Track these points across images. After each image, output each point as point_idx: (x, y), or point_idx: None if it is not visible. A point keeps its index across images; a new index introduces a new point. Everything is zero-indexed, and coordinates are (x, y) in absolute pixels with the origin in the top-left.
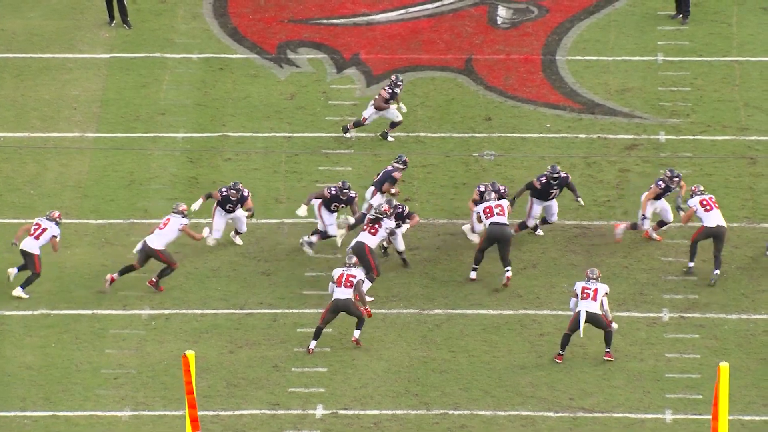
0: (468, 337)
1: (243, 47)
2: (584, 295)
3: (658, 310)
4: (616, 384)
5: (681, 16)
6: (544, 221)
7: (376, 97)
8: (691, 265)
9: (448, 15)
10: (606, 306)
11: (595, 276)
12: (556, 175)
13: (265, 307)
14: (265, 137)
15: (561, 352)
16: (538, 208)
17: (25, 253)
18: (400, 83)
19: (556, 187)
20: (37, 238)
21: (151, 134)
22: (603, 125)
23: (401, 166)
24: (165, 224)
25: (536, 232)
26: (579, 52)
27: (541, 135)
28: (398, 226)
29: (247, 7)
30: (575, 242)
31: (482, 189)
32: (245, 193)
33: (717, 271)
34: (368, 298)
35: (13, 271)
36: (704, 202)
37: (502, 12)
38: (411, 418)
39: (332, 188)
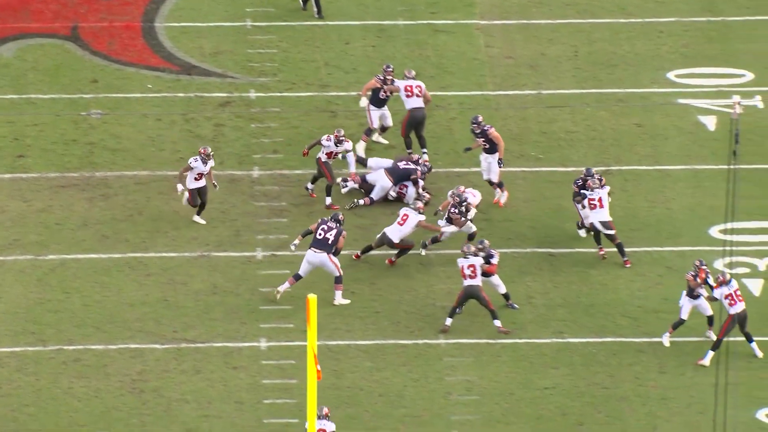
0: (80, 279)
1: None
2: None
3: (253, 249)
4: (215, 317)
5: None
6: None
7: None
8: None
9: None
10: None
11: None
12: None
13: None
14: None
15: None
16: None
17: None
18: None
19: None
20: None
21: None
22: (199, 85)
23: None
24: (404, 220)
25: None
26: (175, 18)
27: (144, 95)
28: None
29: None
30: (166, 195)
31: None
32: None
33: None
34: None
35: None
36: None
37: None
38: (29, 354)
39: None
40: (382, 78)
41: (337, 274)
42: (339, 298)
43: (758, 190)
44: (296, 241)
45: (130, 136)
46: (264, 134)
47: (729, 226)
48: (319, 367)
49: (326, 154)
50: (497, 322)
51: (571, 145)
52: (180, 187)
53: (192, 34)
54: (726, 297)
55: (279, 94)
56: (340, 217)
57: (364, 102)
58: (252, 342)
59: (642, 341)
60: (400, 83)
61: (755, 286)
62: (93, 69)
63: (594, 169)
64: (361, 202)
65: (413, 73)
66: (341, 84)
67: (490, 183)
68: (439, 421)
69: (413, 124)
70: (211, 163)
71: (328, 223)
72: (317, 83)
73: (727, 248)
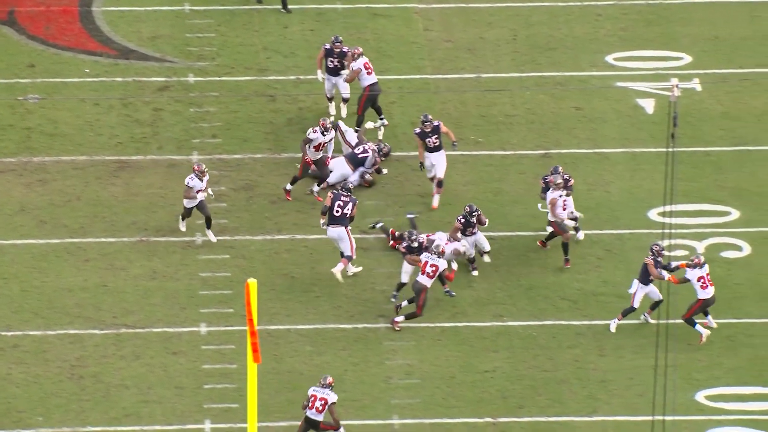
0: (18, 264)
1: None
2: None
3: (192, 234)
4: (154, 302)
5: None
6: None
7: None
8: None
9: None
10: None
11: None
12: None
13: None
14: None
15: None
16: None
17: None
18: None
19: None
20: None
21: None
22: (137, 69)
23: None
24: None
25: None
26: (113, 3)
27: (81, 79)
28: None
29: None
30: (116, 175)
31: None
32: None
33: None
34: None
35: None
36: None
37: None
38: None
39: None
40: (329, 47)
41: (348, 253)
42: (338, 271)
43: (696, 173)
44: (322, 221)
45: (68, 120)
46: (203, 119)
47: (668, 208)
48: (257, 348)
49: (314, 148)
50: (398, 318)
51: (510, 128)
52: (190, 204)
53: (130, 19)
54: (699, 279)
55: (218, 79)
56: (351, 186)
57: (320, 76)
58: (192, 327)
59: (581, 324)
60: (359, 62)
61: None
62: (30, 53)
63: (560, 167)
64: (316, 188)
65: (360, 49)
66: (280, 68)
67: (433, 179)
68: (379, 405)
69: (372, 100)
70: (206, 178)
71: (342, 198)
72: (256, 67)
73: (666, 231)
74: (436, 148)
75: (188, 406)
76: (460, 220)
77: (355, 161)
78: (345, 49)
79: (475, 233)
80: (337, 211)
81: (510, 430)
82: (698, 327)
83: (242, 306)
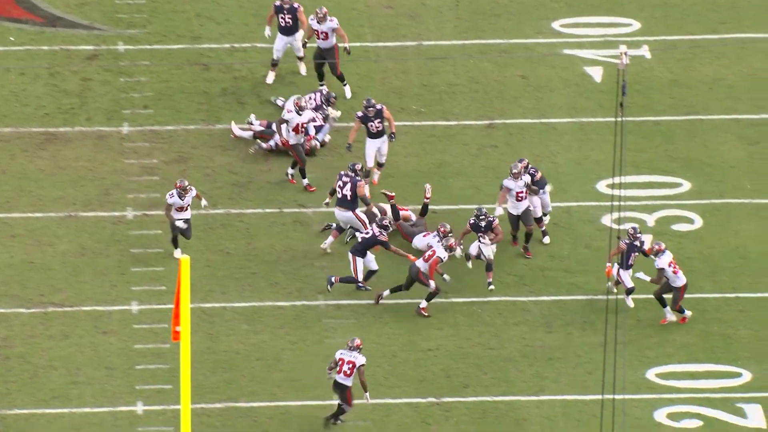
0: None
1: None
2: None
3: (123, 209)
4: (84, 279)
5: None
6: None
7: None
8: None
9: None
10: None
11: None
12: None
13: None
14: None
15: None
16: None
17: None
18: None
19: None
20: None
21: None
22: (64, 37)
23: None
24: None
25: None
26: None
27: (6, 48)
28: None
29: None
30: (43, 148)
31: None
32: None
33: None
34: None
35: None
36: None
37: None
38: None
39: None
40: (278, 4)
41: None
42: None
43: (646, 143)
44: (327, 200)
45: None
46: (134, 89)
47: (617, 180)
48: (178, 329)
49: (293, 130)
50: (423, 305)
51: (453, 98)
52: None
53: None
54: (669, 264)
55: (149, 47)
56: (357, 166)
57: (268, 31)
58: (123, 305)
59: (528, 300)
60: (331, 25)
61: (644, 240)
62: None
63: (526, 160)
64: (290, 170)
65: (324, 10)
66: (213, 36)
67: (371, 170)
68: (318, 385)
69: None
70: (191, 193)
71: (344, 178)
72: (188, 35)
73: (615, 203)
74: (379, 134)
75: (119, 387)
76: (469, 221)
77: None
78: (295, 5)
79: (484, 241)
80: (339, 193)
81: (454, 410)
82: (667, 310)
83: (175, 283)
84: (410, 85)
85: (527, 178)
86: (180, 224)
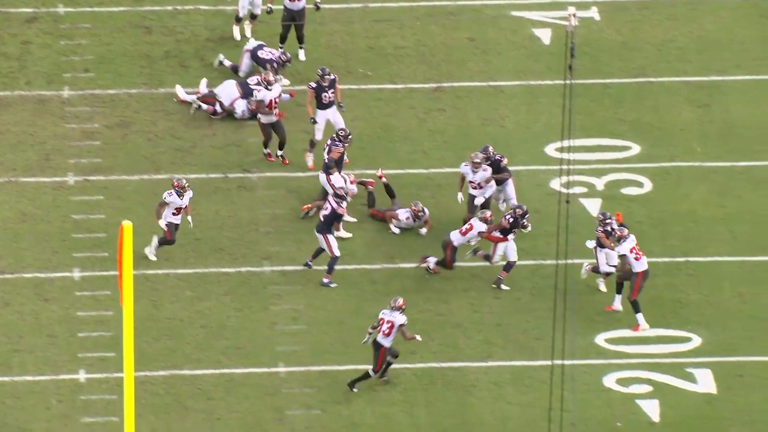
0: None
1: None
2: None
3: (64, 174)
4: (24, 246)
5: None
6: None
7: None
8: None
9: None
10: None
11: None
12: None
13: None
14: None
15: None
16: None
17: None
18: None
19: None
20: None
21: None
22: (2, 0)
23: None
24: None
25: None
26: None
27: None
28: None
29: None
30: None
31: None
32: None
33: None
34: None
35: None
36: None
37: None
38: None
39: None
40: None
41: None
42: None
43: (595, 106)
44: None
45: None
46: (74, 52)
47: (566, 143)
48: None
49: (267, 106)
50: (432, 264)
51: (400, 60)
52: (162, 223)
53: None
54: (631, 251)
55: (90, 9)
56: (344, 133)
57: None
58: (64, 272)
59: (476, 266)
60: None
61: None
62: None
63: (491, 147)
64: (204, 107)
65: None
66: None
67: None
68: (264, 352)
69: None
70: (189, 194)
71: (327, 142)
72: None
73: (564, 167)
74: (331, 104)
75: (61, 355)
76: (508, 220)
77: (246, 90)
78: None
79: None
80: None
81: (401, 376)
82: (639, 316)
83: (115, 250)
84: (356, 48)
85: (488, 172)
86: (164, 227)
